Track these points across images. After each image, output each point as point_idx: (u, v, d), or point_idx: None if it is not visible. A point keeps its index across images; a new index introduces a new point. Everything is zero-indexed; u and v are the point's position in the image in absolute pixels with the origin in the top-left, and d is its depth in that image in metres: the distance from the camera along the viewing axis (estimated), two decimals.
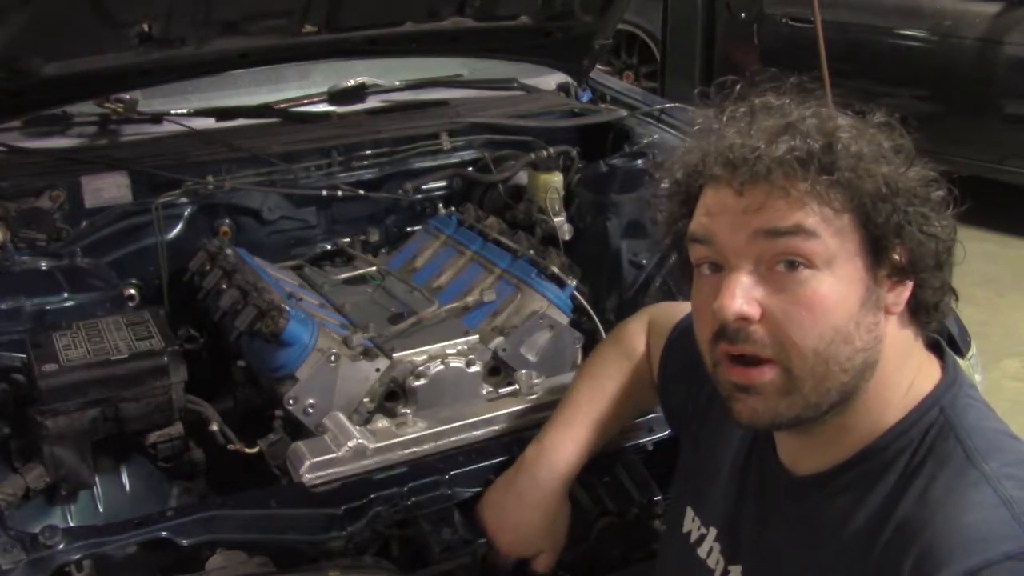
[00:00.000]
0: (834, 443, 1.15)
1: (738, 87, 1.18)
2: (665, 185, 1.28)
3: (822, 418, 1.12)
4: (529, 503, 1.49)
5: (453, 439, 1.63)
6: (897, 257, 1.08)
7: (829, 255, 1.06)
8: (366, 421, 1.76)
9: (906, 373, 1.13)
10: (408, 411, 1.75)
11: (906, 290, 1.10)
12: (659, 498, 1.71)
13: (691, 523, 1.36)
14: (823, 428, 1.14)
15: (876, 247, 1.08)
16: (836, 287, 1.06)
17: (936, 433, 1.10)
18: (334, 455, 1.54)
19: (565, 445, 1.51)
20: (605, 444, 1.57)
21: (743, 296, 1.08)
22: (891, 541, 1.07)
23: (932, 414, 1.11)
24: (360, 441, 1.56)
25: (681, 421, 1.47)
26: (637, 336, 1.59)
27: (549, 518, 1.50)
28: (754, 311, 1.08)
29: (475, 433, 1.65)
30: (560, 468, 1.50)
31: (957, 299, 1.17)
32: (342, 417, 1.64)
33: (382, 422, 1.67)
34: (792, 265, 1.06)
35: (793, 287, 1.07)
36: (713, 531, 1.31)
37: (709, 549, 1.31)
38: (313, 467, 1.52)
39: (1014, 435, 1.13)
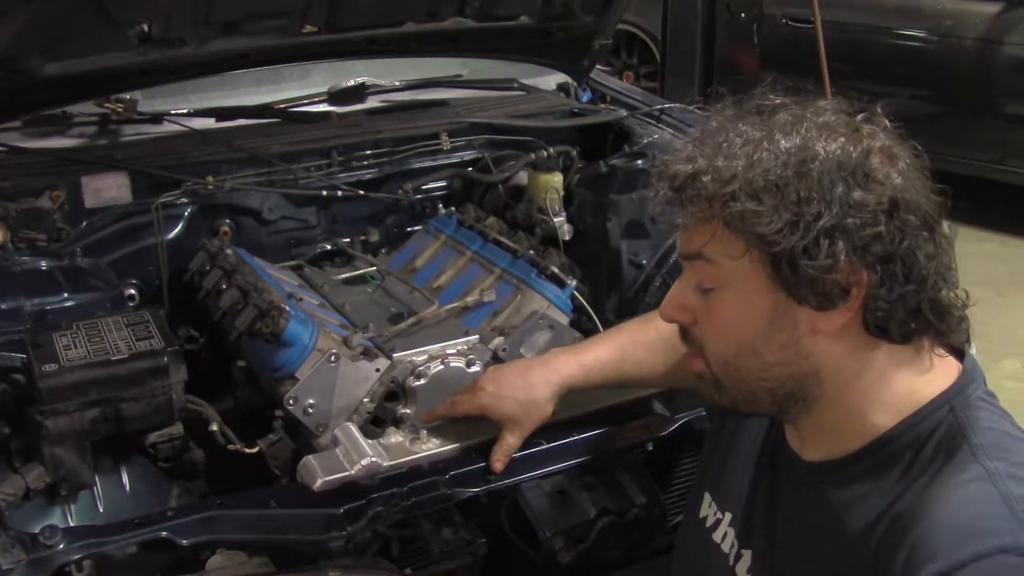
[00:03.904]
0: (831, 435, 1.18)
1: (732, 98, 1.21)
2: None
3: (784, 411, 1.19)
4: (526, 373, 1.62)
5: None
6: (806, 286, 1.08)
7: (729, 279, 1.14)
8: (369, 422, 1.76)
9: (897, 378, 1.14)
10: (409, 411, 1.75)
11: (840, 314, 1.10)
12: (659, 498, 1.72)
13: (708, 508, 1.39)
14: (805, 422, 1.20)
15: (779, 276, 1.09)
16: (737, 308, 1.14)
17: (944, 431, 1.12)
18: (347, 473, 1.54)
19: (587, 353, 1.63)
20: (620, 378, 1.64)
21: (675, 302, 1.22)
22: (888, 531, 1.09)
23: (941, 413, 1.13)
24: (374, 460, 1.55)
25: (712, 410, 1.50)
26: None
27: (531, 392, 1.60)
28: (683, 317, 1.22)
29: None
30: (569, 366, 1.61)
31: (966, 324, 1.16)
32: (354, 430, 1.63)
33: (395, 436, 1.66)
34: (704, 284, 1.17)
35: (707, 303, 1.18)
36: (728, 516, 1.34)
37: (724, 534, 1.34)
38: (325, 485, 1.52)
39: (1012, 425, 1.14)
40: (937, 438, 1.11)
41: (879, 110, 1.16)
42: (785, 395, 1.17)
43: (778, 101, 1.16)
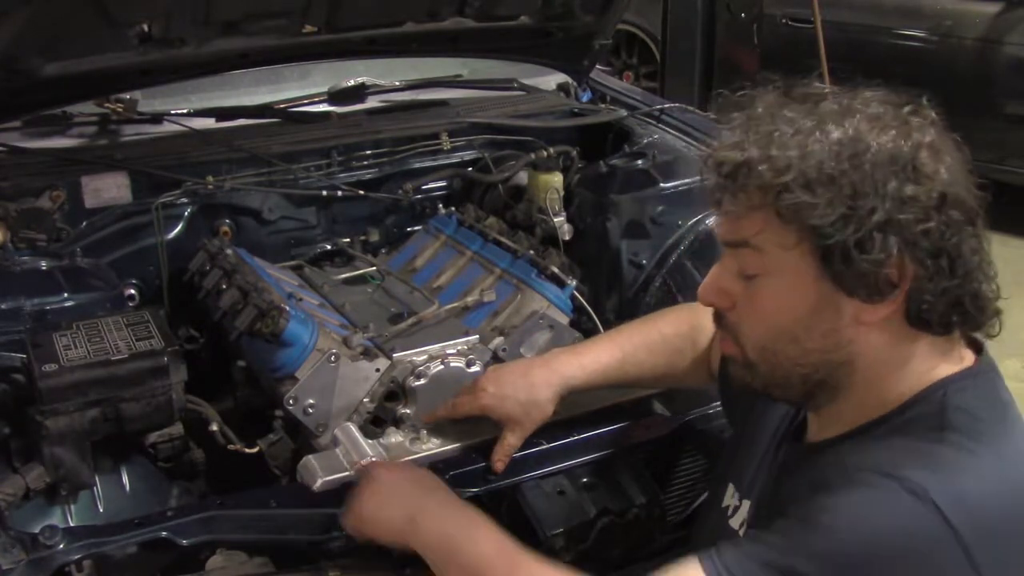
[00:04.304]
0: (841, 419, 1.21)
1: (762, 87, 1.21)
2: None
3: (810, 398, 1.21)
4: (527, 373, 1.62)
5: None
6: (854, 277, 1.10)
7: (774, 267, 1.14)
8: (369, 422, 1.76)
9: (913, 368, 1.17)
10: (409, 411, 1.75)
11: (885, 305, 1.12)
12: (659, 498, 1.72)
13: (730, 498, 1.41)
14: (828, 408, 1.21)
15: (827, 266, 1.10)
16: (781, 295, 1.15)
17: (929, 410, 1.14)
18: (347, 473, 1.54)
19: (588, 354, 1.64)
20: (621, 379, 1.64)
21: (711, 286, 1.22)
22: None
23: (936, 396, 1.15)
24: (374, 460, 1.55)
25: (735, 403, 1.51)
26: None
27: (533, 392, 1.60)
28: (722, 301, 1.22)
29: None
30: (571, 367, 1.62)
31: (983, 311, 1.17)
32: (354, 430, 1.64)
33: (395, 437, 1.66)
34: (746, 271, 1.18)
35: (749, 288, 1.18)
36: (747, 503, 1.36)
37: (742, 521, 1.36)
38: (325, 485, 1.52)
39: (1009, 430, 1.15)
40: (921, 413, 1.14)
41: (924, 101, 1.17)
42: (817, 382, 1.18)
43: (826, 89, 1.18)
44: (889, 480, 1.05)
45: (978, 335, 1.22)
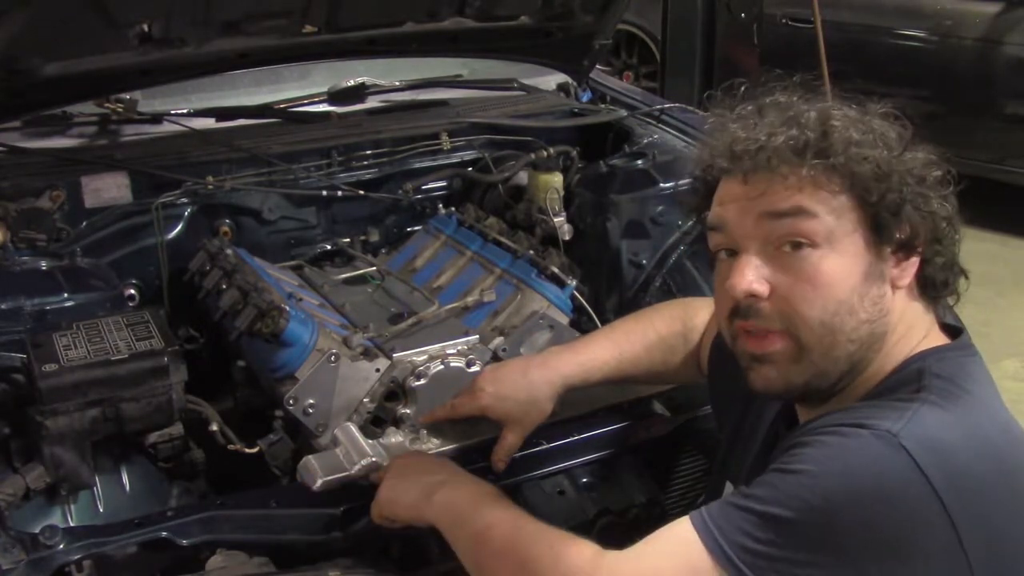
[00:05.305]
0: (828, 404, 1.24)
1: (744, 88, 1.28)
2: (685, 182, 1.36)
3: (832, 388, 1.21)
4: (526, 373, 1.63)
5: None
6: (897, 233, 1.17)
7: (828, 233, 1.16)
8: (369, 422, 1.76)
9: (910, 344, 1.21)
10: (409, 411, 1.75)
11: (911, 265, 1.19)
12: (659, 498, 1.72)
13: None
14: (834, 400, 1.23)
15: (876, 224, 1.16)
16: (838, 262, 1.16)
17: (908, 377, 1.18)
18: (346, 473, 1.54)
19: (585, 352, 1.65)
20: (617, 377, 1.66)
21: (752, 275, 1.18)
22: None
23: (916, 365, 1.19)
24: (373, 460, 1.55)
25: (726, 404, 1.52)
26: (702, 311, 1.67)
27: (532, 391, 1.61)
28: (762, 288, 1.18)
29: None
30: (570, 365, 1.63)
31: (967, 278, 1.25)
32: (354, 430, 1.63)
33: (395, 437, 1.67)
34: (795, 245, 1.17)
35: (798, 264, 1.17)
36: None
37: None
38: (325, 485, 1.52)
39: (984, 397, 1.18)
40: (900, 381, 1.18)
41: (889, 107, 1.25)
42: (856, 363, 1.20)
43: (795, 98, 1.25)
44: (860, 429, 1.10)
45: (957, 322, 1.27)
